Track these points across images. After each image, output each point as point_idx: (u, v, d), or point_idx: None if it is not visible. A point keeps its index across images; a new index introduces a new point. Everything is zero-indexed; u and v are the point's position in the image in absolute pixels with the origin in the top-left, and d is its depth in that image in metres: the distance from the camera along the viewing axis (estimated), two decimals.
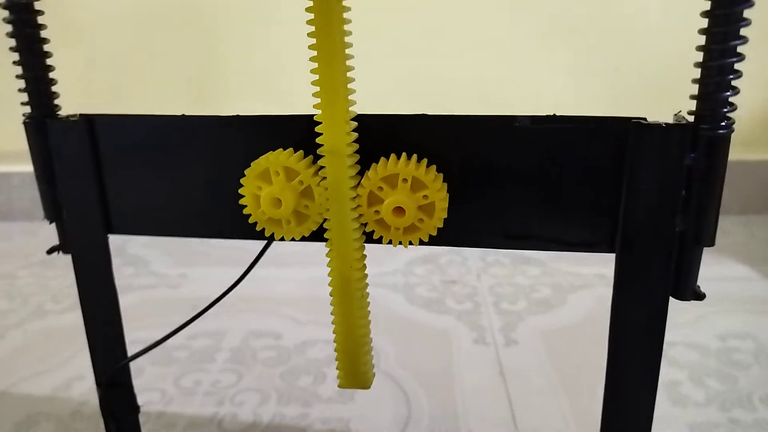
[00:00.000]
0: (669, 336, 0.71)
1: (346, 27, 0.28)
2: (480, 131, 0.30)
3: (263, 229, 0.31)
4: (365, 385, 0.31)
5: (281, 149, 0.30)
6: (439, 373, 0.67)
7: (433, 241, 0.30)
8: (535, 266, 0.94)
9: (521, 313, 0.80)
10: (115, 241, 1.04)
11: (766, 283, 0.88)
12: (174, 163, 0.35)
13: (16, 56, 0.35)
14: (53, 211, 0.37)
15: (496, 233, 0.31)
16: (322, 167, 0.29)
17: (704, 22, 0.28)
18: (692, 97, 0.29)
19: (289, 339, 0.75)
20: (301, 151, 0.30)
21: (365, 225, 0.30)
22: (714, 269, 0.91)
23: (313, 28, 0.27)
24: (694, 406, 0.60)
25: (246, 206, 0.30)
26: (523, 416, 0.59)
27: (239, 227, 0.33)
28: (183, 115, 0.34)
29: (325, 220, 0.30)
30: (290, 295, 0.87)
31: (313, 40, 0.27)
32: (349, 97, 0.29)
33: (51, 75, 0.36)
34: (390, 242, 0.30)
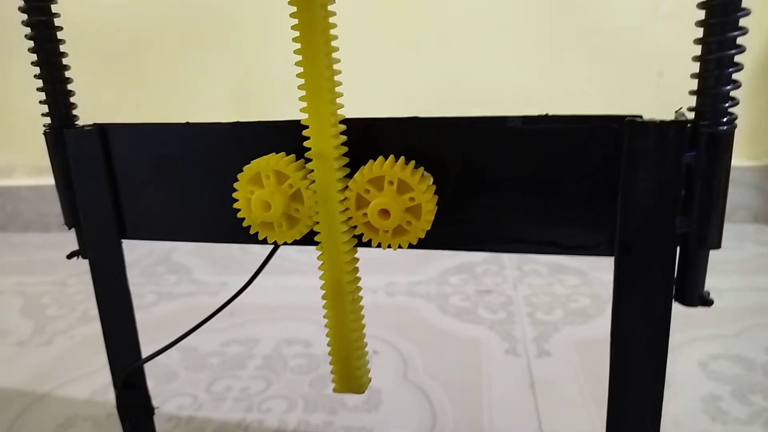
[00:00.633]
0: (711, 348, 0.68)
1: (332, 32, 0.28)
2: (471, 133, 0.30)
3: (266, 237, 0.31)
4: (359, 389, 0.31)
5: (274, 153, 0.31)
6: (467, 383, 0.66)
7: (423, 244, 0.30)
8: (574, 275, 0.92)
9: (556, 324, 0.78)
10: (161, 249, 1.09)
11: None
12: (182, 169, 0.36)
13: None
14: (72, 217, 0.39)
15: (488, 236, 0.31)
16: (311, 171, 0.29)
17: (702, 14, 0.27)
18: (691, 92, 0.28)
19: (319, 347, 0.76)
20: (292, 155, 0.31)
21: (355, 228, 0.30)
22: (761, 279, 0.86)
23: (297, 33, 0.27)
24: (736, 422, 0.57)
25: (240, 210, 0.31)
26: (550, 428, 0.58)
27: (244, 232, 0.34)
28: (187, 122, 0.35)
29: (316, 223, 0.30)
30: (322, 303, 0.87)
31: (298, 45, 0.27)
32: (337, 101, 0.29)
33: (71, 87, 0.38)
34: (379, 245, 0.30)
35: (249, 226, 0.31)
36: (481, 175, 0.30)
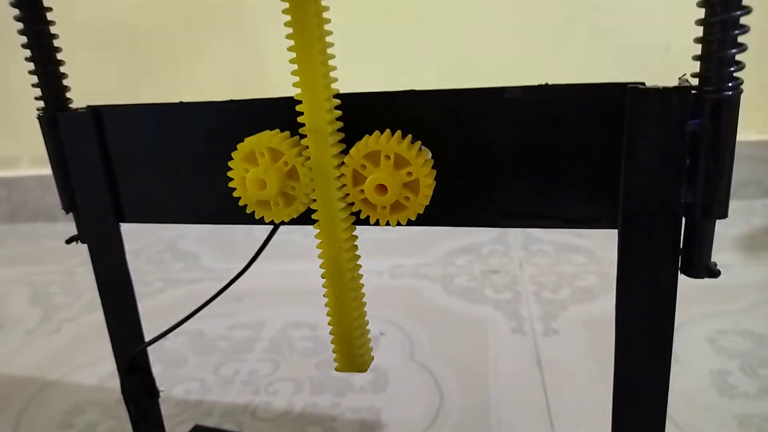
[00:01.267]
0: (719, 324, 0.68)
1: (326, 3, 0.27)
2: (469, 105, 0.29)
3: (263, 216, 0.31)
4: (361, 368, 0.31)
5: (267, 130, 0.30)
6: (473, 363, 0.66)
7: (422, 220, 0.29)
8: (581, 254, 0.91)
9: (563, 302, 0.77)
10: (167, 236, 1.08)
11: None
12: (177, 149, 0.35)
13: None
14: (69, 201, 0.38)
15: (489, 211, 0.30)
16: (306, 147, 0.29)
17: None
18: (695, 57, 0.27)
19: (325, 329, 0.75)
20: (287, 132, 0.30)
21: (352, 205, 0.29)
22: None
23: (287, 5, 0.27)
24: (744, 397, 0.56)
25: (235, 189, 0.30)
26: (558, 407, 0.57)
27: (242, 213, 0.33)
28: (181, 102, 0.34)
29: (312, 201, 0.30)
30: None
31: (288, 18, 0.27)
32: (331, 74, 0.28)
33: (68, 77, 0.37)
34: (377, 223, 0.29)
35: (246, 206, 0.31)
36: (480, 148, 0.30)
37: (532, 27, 1.09)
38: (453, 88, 0.29)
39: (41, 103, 0.37)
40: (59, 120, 0.36)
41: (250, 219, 0.33)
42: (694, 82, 0.27)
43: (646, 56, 1.05)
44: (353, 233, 0.30)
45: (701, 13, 0.26)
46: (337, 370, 0.31)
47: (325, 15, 0.27)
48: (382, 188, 0.28)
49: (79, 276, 1.00)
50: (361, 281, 0.31)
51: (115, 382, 0.69)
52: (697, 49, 0.27)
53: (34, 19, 0.36)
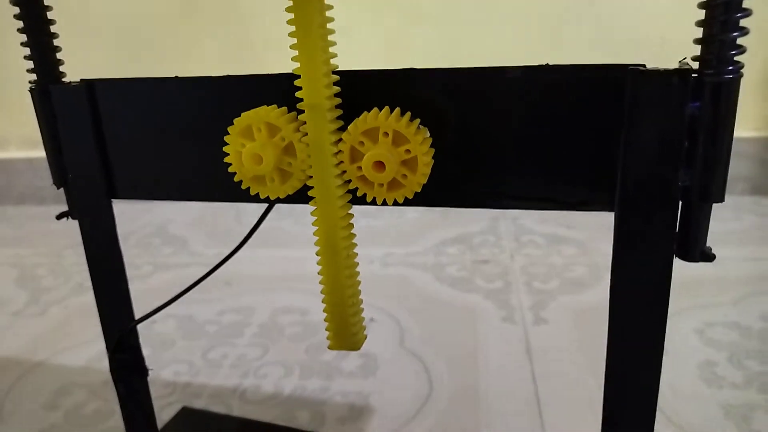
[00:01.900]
0: (708, 316, 0.68)
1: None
2: (470, 84, 0.29)
3: (258, 193, 0.30)
4: (355, 346, 0.31)
5: (265, 105, 0.30)
6: (463, 351, 0.66)
7: (418, 200, 0.29)
8: (572, 246, 0.91)
9: (553, 292, 0.77)
10: (157, 221, 1.08)
11: None
12: (172, 124, 0.35)
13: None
14: (60, 177, 0.38)
15: (486, 192, 0.30)
16: (304, 123, 0.28)
17: None
18: (696, 41, 0.27)
19: (315, 315, 0.76)
20: (284, 107, 0.30)
21: (349, 182, 0.29)
22: (759, 249, 0.86)
23: None
24: (731, 387, 0.57)
25: (231, 164, 0.30)
26: (547, 395, 0.58)
27: (236, 190, 0.33)
28: (176, 77, 0.34)
29: (309, 177, 0.29)
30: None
31: None
32: (330, 50, 0.28)
33: (57, 42, 0.37)
34: (374, 201, 0.29)
35: (240, 182, 0.30)
36: (480, 128, 0.29)
37: (527, 18, 1.09)
38: (453, 67, 0.29)
39: (33, 77, 0.37)
40: (51, 93, 0.36)
41: (244, 196, 0.33)
42: (695, 66, 0.27)
43: (641, 48, 1.05)
44: (349, 211, 0.30)
45: (694, 3, 0.26)
46: (330, 348, 0.31)
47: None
48: (379, 165, 0.27)
49: (67, 259, 1.00)
50: (356, 260, 0.31)
51: (102, 364, 0.69)
52: (698, 32, 0.27)
53: None
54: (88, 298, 0.85)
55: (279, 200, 0.31)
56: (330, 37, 0.28)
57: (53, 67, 0.37)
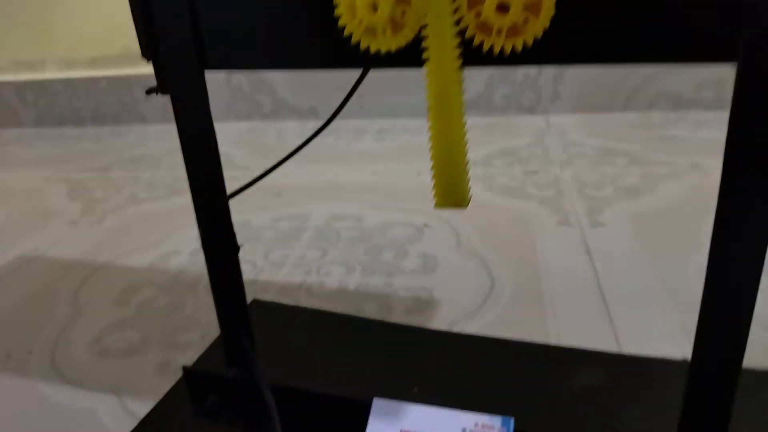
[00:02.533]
0: None
1: None
2: None
3: (359, 56, 0.30)
4: (462, 202, 0.31)
5: None
6: (521, 250, 0.67)
7: (536, 55, 0.29)
8: (623, 157, 0.90)
9: (608, 199, 0.77)
10: None
11: None
12: None
13: None
14: (150, 48, 0.37)
15: (605, 46, 0.29)
16: None
17: None
18: None
19: (370, 221, 0.76)
20: None
21: (465, 31, 0.28)
22: None
23: None
24: None
25: (341, 17, 0.29)
26: (610, 288, 0.58)
27: (335, 55, 0.33)
28: None
29: (422, 28, 0.29)
30: (369, 185, 0.87)
31: None
32: None
33: None
34: (491, 50, 0.28)
35: (344, 46, 0.30)
36: None
37: None
38: None
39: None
40: None
41: (346, 60, 0.32)
42: None
43: None
44: (461, 63, 0.30)
45: None
46: (436, 206, 0.31)
47: None
48: (502, 8, 0.27)
49: (114, 174, 1.01)
50: (465, 117, 0.31)
51: (168, 264, 0.70)
52: None
53: None
54: (145, 208, 0.86)
55: (389, 58, 0.30)
56: None
57: None
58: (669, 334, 0.52)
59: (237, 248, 0.42)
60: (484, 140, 1.01)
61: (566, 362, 0.47)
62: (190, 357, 0.53)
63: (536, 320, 0.55)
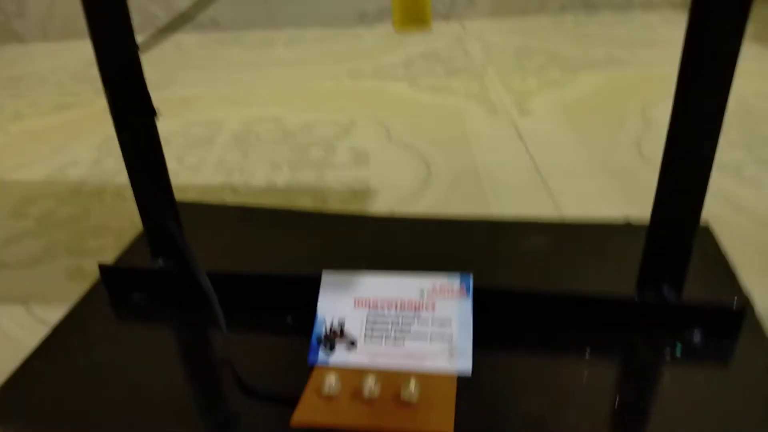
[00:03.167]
0: None
1: None
2: None
3: None
4: (425, 22, 0.27)
5: None
6: (453, 139, 0.64)
7: None
8: (541, 54, 0.89)
9: (532, 91, 0.76)
10: None
11: None
12: None
13: None
14: None
15: None
16: None
17: None
18: None
19: (291, 122, 0.71)
20: None
21: None
22: None
23: None
24: None
25: None
26: (547, 167, 0.57)
27: None
28: None
29: None
30: (285, 91, 0.82)
31: None
32: None
33: None
34: None
35: None
36: None
37: None
38: None
39: None
40: None
41: None
42: None
43: None
44: None
45: None
46: (396, 28, 0.28)
47: None
48: None
49: None
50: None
51: (65, 176, 0.63)
52: None
53: None
54: (28, 125, 0.76)
55: None
56: None
57: None
58: (608, 199, 0.52)
59: (154, 111, 0.36)
60: (402, 44, 0.97)
61: (516, 230, 0.45)
62: (105, 261, 0.47)
63: (477, 200, 0.53)
